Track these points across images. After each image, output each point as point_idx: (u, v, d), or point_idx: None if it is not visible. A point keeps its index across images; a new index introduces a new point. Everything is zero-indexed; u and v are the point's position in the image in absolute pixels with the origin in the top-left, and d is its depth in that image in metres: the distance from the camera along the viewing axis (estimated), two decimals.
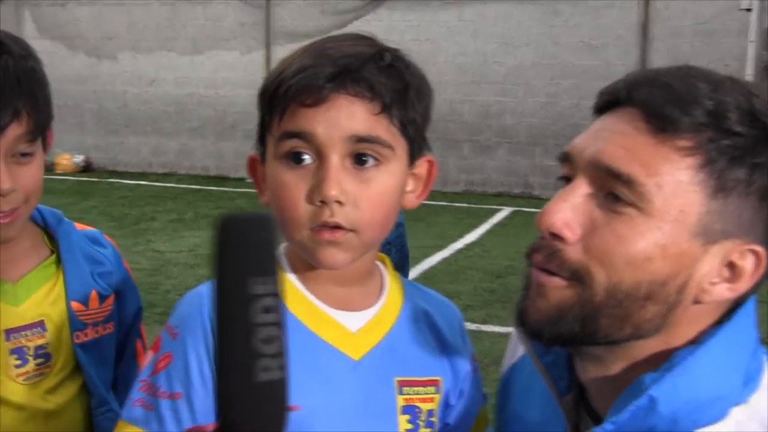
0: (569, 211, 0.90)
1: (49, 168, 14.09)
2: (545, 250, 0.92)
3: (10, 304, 1.34)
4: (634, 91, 0.89)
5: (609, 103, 0.94)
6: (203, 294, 1.07)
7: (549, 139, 11.66)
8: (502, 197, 11.68)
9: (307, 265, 1.08)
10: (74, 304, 1.39)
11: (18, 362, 1.32)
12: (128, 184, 12.27)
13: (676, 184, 0.86)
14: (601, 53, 11.23)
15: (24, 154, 1.29)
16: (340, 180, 1.00)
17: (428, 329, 1.20)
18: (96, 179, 13.15)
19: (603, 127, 0.92)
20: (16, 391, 1.32)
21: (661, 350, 0.91)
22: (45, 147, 1.40)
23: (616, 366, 0.94)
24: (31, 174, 1.34)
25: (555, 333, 0.92)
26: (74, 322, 1.38)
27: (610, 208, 0.88)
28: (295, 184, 1.02)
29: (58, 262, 1.44)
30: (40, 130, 1.32)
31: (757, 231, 0.87)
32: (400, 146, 1.05)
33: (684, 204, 0.86)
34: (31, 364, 1.33)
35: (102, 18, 14.12)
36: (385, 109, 1.02)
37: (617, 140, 0.88)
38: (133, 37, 12.88)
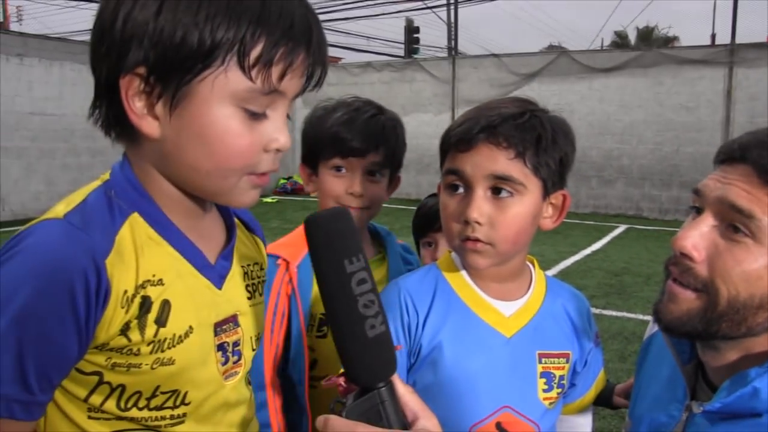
0: (698, 237, 0.98)
1: (307, 194, 15.24)
2: (680, 267, 0.99)
3: None
4: (747, 152, 0.95)
5: (727, 158, 0.99)
6: (400, 283, 1.25)
7: (655, 176, 13.11)
8: (620, 217, 13.07)
9: None
10: None
11: None
12: None
13: None
14: (695, 112, 12.66)
15: (373, 173, 1.57)
16: (481, 206, 1.13)
17: (563, 315, 1.30)
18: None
19: (725, 175, 0.97)
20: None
21: (763, 349, 0.97)
22: (393, 184, 1.66)
23: (730, 355, 1.00)
24: (375, 190, 1.59)
25: (683, 331, 1.00)
26: None
27: (731, 237, 0.95)
28: (452, 207, 1.17)
29: (383, 260, 1.65)
30: (387, 163, 1.57)
31: None
32: (533, 183, 1.16)
33: None
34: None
35: (342, 94, 13.78)
36: (519, 155, 1.13)
37: (740, 185, 0.95)
38: None
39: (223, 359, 1.01)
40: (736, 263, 0.95)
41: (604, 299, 6.79)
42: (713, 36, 20.25)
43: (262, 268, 1.17)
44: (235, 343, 1.04)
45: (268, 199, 15.47)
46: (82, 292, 0.84)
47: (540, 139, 1.15)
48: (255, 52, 0.87)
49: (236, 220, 1.12)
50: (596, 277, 7.81)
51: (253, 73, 0.88)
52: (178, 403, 0.96)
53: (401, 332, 1.20)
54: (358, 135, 1.57)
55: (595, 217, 13.04)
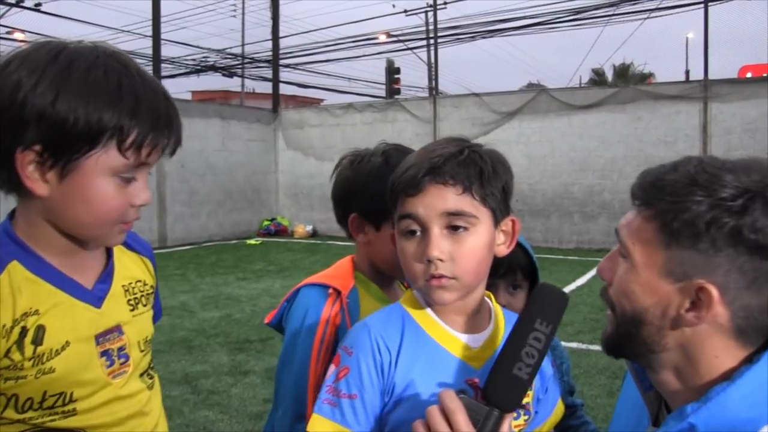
0: (605, 263, 1.12)
1: (290, 234, 16.27)
2: (602, 290, 1.12)
3: None
4: (633, 183, 1.08)
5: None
6: (368, 323, 1.25)
7: None
8: (603, 252, 11.83)
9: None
10: None
11: None
12: (341, 245, 13.77)
13: (644, 241, 1.03)
14: (673, 146, 12.79)
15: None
16: (439, 244, 1.17)
17: None
18: (320, 242, 15.10)
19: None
20: None
21: (699, 382, 1.01)
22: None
23: (667, 379, 1.06)
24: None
25: (610, 350, 1.13)
26: None
27: (622, 261, 1.07)
28: (412, 250, 1.21)
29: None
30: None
31: (713, 273, 0.97)
32: (484, 214, 1.20)
33: (650, 254, 1.02)
34: None
35: (324, 135, 16.47)
36: (466, 190, 1.18)
37: (627, 214, 1.09)
38: (346, 145, 11.43)
39: (109, 362, 1.26)
40: (622, 282, 1.07)
41: (590, 334, 6.82)
42: (687, 72, 20.74)
43: (145, 284, 1.41)
44: (121, 348, 1.29)
45: (252, 242, 15.53)
46: None
47: (482, 172, 1.19)
48: (130, 139, 1.14)
49: (121, 246, 1.37)
50: (582, 312, 7.85)
51: (128, 153, 1.15)
52: (67, 401, 1.20)
53: (374, 372, 1.20)
54: None
55: (578, 253, 13.20)
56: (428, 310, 1.27)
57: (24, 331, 1.16)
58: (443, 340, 1.24)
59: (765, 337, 1.01)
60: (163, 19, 14.98)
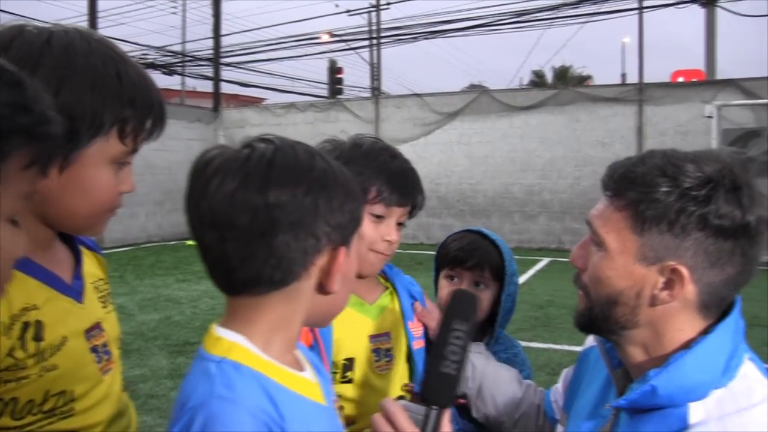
0: (578, 251, 1.20)
1: None
2: (576, 275, 1.21)
3: (369, 317, 1.58)
4: (605, 181, 1.16)
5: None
6: (241, 404, 0.88)
7: (575, 209, 13.50)
8: (543, 251, 13.46)
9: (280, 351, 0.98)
10: (410, 323, 1.63)
11: (376, 358, 1.55)
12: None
13: (617, 230, 1.11)
14: (610, 147, 13.13)
15: (401, 223, 1.55)
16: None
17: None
18: None
19: (601, 199, 1.17)
20: (376, 378, 1.54)
21: (663, 353, 1.11)
22: None
23: (634, 354, 1.15)
24: (399, 237, 1.59)
25: (581, 325, 1.21)
26: (409, 334, 1.62)
27: (596, 249, 1.15)
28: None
29: (393, 293, 1.68)
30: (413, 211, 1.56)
31: (683, 255, 1.06)
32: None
33: (624, 240, 1.10)
34: (383, 361, 1.56)
35: (262, 132, 16.75)
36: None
37: (597, 205, 1.16)
38: None
39: (97, 359, 1.23)
40: (594, 268, 1.15)
41: (530, 332, 6.92)
42: (623, 75, 21.30)
43: (106, 282, 1.39)
44: (104, 345, 1.27)
45: (192, 243, 15.16)
46: None
47: None
48: (129, 127, 1.15)
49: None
50: (522, 310, 7.79)
51: (127, 141, 1.16)
52: (67, 400, 1.16)
53: None
54: (410, 186, 1.55)
55: (518, 252, 12.67)
56: (265, 357, 0.99)
57: (26, 327, 1.11)
58: (293, 385, 1.00)
59: (722, 309, 1.13)
60: (100, 15, 14.67)
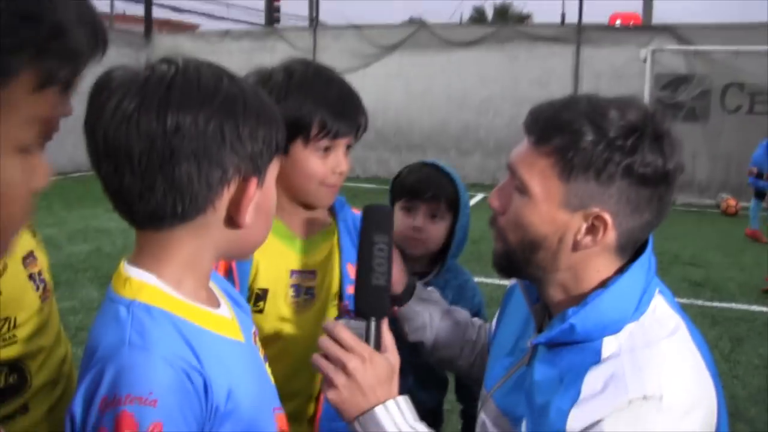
0: (497, 194, 1.20)
1: None
2: (492, 218, 1.22)
3: (295, 251, 1.52)
4: (528, 123, 1.14)
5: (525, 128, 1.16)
6: (155, 351, 0.84)
7: (511, 147, 12.29)
8: (477, 187, 12.85)
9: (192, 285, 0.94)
10: (349, 265, 1.55)
11: (293, 294, 1.51)
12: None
13: (542, 175, 1.10)
14: (547, 87, 12.97)
15: (348, 148, 1.49)
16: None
17: None
18: None
19: (523, 142, 1.16)
20: (291, 314, 1.51)
21: (581, 292, 1.15)
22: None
23: (554, 293, 1.20)
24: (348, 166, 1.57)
25: (498, 267, 1.25)
26: (345, 277, 1.56)
27: (518, 194, 1.15)
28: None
29: (334, 231, 1.60)
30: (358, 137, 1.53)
31: (607, 202, 1.09)
32: None
33: (549, 187, 1.10)
34: (301, 298, 1.51)
35: None
36: None
37: (519, 149, 1.15)
38: None
39: (35, 286, 1.26)
40: (516, 213, 1.15)
41: (464, 266, 7.03)
42: (563, 15, 21.32)
43: None
44: (39, 273, 1.28)
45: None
46: None
47: None
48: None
49: None
50: None
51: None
52: (11, 327, 1.18)
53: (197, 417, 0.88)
54: (353, 111, 1.47)
55: None
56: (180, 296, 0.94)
57: None
58: (207, 323, 0.96)
59: (635, 250, 1.18)
60: None
